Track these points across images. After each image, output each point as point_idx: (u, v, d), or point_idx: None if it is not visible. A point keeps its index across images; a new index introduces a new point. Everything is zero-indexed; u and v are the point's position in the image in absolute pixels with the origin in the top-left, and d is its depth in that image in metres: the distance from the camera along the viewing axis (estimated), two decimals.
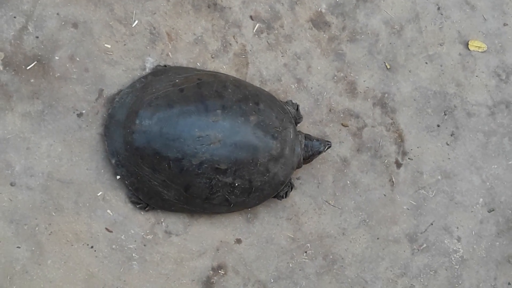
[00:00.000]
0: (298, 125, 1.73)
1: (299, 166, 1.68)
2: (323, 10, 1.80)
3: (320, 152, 1.67)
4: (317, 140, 1.67)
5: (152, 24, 1.70)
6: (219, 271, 1.70)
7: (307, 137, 1.68)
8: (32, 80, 1.62)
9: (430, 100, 1.83)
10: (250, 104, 1.58)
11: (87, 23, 1.66)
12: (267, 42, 1.77)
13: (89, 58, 1.65)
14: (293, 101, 1.73)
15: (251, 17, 1.76)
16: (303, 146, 1.65)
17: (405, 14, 1.84)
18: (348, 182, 1.79)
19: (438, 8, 1.85)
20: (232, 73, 1.73)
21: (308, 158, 1.68)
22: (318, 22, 1.79)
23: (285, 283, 1.74)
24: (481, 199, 1.84)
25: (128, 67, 1.68)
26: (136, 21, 1.69)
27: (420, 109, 1.83)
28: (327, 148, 1.68)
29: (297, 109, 1.72)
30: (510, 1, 1.89)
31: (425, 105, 1.83)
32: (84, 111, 1.64)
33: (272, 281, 1.73)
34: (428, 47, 1.85)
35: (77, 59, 1.65)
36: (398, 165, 1.81)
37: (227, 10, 1.74)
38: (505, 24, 1.89)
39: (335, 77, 1.80)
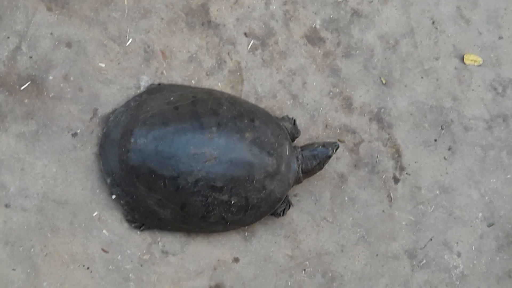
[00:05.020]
0: (296, 140, 1.72)
1: (299, 182, 1.66)
2: (318, 26, 1.80)
3: (329, 157, 1.64)
4: (323, 145, 1.65)
5: (146, 43, 1.69)
6: None
7: (309, 146, 1.65)
8: (26, 101, 1.62)
9: (426, 115, 1.83)
10: (246, 121, 1.58)
11: (81, 42, 1.65)
12: (262, 58, 1.76)
13: (83, 78, 1.65)
14: (289, 116, 1.72)
15: (245, 34, 1.76)
16: (299, 162, 1.64)
17: (400, 29, 1.84)
18: (346, 198, 1.77)
19: (433, 23, 1.85)
20: (227, 90, 1.73)
21: (315, 167, 1.65)
22: (313, 38, 1.79)
23: None
24: (480, 214, 1.83)
25: (123, 86, 1.67)
26: (130, 40, 1.69)
27: (417, 124, 1.82)
28: (336, 150, 1.65)
29: (294, 124, 1.70)
30: (505, 14, 1.90)
31: (422, 119, 1.83)
32: (78, 131, 1.63)
33: None
34: (423, 61, 1.84)
35: (71, 78, 1.64)
36: (396, 180, 1.80)
37: (221, 27, 1.74)
38: (500, 38, 1.89)
39: (331, 93, 1.79)
